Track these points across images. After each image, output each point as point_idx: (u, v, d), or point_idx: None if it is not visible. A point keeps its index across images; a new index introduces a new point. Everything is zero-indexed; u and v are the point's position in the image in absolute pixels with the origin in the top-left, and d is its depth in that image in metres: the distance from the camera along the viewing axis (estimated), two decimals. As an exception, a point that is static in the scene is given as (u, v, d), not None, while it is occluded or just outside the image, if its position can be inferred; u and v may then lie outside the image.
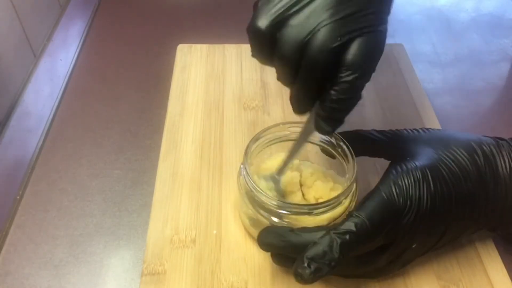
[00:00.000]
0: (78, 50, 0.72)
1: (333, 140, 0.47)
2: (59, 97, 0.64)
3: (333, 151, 0.47)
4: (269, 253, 0.43)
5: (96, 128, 0.60)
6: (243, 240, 0.47)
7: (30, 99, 0.63)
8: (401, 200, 0.39)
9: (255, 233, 0.44)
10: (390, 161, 0.44)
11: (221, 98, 0.61)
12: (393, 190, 0.40)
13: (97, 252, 0.48)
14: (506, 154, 0.43)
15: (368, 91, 0.63)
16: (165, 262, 0.45)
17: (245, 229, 0.47)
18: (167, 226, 0.48)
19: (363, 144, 0.47)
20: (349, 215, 0.39)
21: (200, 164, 0.54)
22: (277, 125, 0.48)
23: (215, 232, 0.47)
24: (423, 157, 0.42)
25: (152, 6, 0.81)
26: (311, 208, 0.42)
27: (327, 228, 0.39)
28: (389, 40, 0.37)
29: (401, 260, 0.42)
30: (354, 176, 0.43)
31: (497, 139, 0.44)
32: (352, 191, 0.44)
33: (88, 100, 0.64)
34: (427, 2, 0.84)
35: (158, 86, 0.64)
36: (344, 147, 0.46)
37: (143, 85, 0.66)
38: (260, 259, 0.45)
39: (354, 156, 0.45)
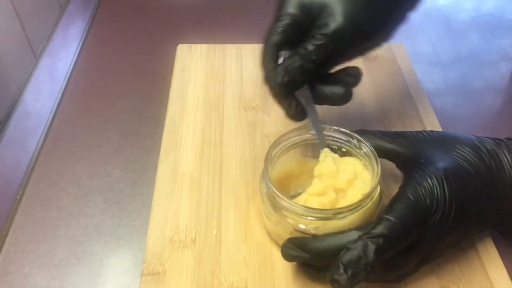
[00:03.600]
0: (78, 50, 0.72)
1: (355, 142, 0.46)
2: (59, 97, 0.64)
3: (354, 152, 0.46)
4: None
5: (96, 128, 0.60)
6: (243, 240, 0.47)
7: (30, 99, 0.63)
8: (427, 201, 0.40)
9: (280, 239, 0.44)
10: (402, 165, 0.45)
11: (221, 98, 0.61)
12: (419, 191, 0.40)
13: (97, 252, 0.48)
14: (506, 151, 0.44)
15: (368, 91, 0.63)
16: (165, 262, 0.45)
17: (269, 234, 0.47)
18: (167, 226, 0.48)
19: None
20: (379, 218, 0.39)
21: (200, 164, 0.54)
22: (297, 129, 0.47)
23: (215, 232, 0.47)
24: (438, 159, 0.42)
25: (152, 6, 0.81)
26: (335, 213, 0.41)
27: (354, 231, 0.39)
28: (389, 40, 0.37)
29: (427, 260, 0.43)
30: (378, 178, 0.43)
31: (495, 139, 0.45)
32: (378, 192, 0.43)
33: (88, 100, 0.64)
34: (427, 2, 0.84)
35: (158, 86, 0.64)
36: (367, 149, 0.45)
37: (143, 85, 0.66)
38: (260, 259, 0.45)
39: (377, 158, 0.44)
